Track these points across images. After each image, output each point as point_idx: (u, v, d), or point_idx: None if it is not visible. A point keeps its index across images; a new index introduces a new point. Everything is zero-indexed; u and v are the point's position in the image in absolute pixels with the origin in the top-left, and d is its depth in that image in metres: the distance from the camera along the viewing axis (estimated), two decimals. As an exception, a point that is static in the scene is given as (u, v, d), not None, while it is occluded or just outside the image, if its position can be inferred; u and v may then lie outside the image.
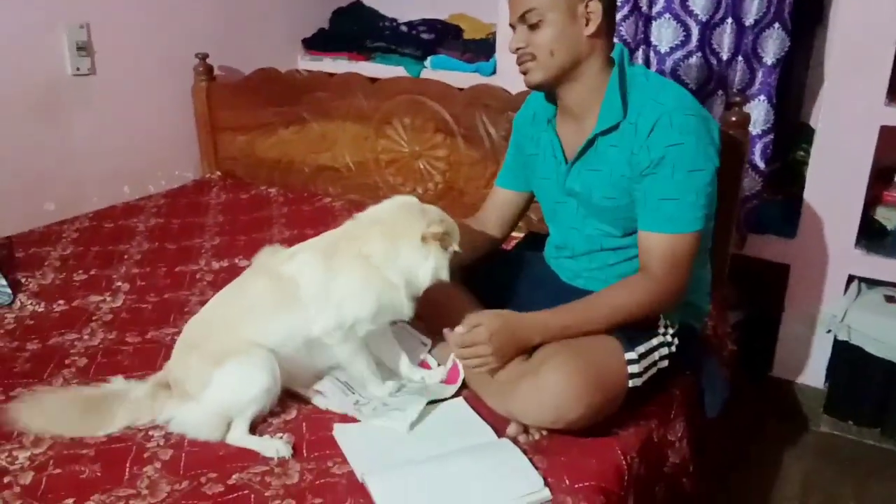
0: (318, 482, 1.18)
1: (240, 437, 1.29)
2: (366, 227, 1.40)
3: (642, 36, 2.21)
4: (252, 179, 2.68)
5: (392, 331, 1.50)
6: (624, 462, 1.23)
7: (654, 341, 1.36)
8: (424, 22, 2.88)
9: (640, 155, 1.34)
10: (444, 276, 1.37)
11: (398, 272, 1.35)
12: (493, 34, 2.60)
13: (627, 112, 1.36)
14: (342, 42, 2.95)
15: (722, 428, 1.69)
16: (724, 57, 2.12)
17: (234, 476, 1.19)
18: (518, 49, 1.39)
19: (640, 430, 1.32)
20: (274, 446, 1.25)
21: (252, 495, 1.15)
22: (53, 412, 1.30)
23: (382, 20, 3.03)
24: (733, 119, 1.80)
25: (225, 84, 2.69)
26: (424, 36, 2.79)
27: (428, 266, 1.35)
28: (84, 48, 2.28)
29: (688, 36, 2.16)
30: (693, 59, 2.17)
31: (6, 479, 1.17)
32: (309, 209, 2.43)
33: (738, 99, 1.84)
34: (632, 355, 1.30)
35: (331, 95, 2.45)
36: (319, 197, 2.52)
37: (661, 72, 2.23)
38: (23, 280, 1.86)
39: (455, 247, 1.37)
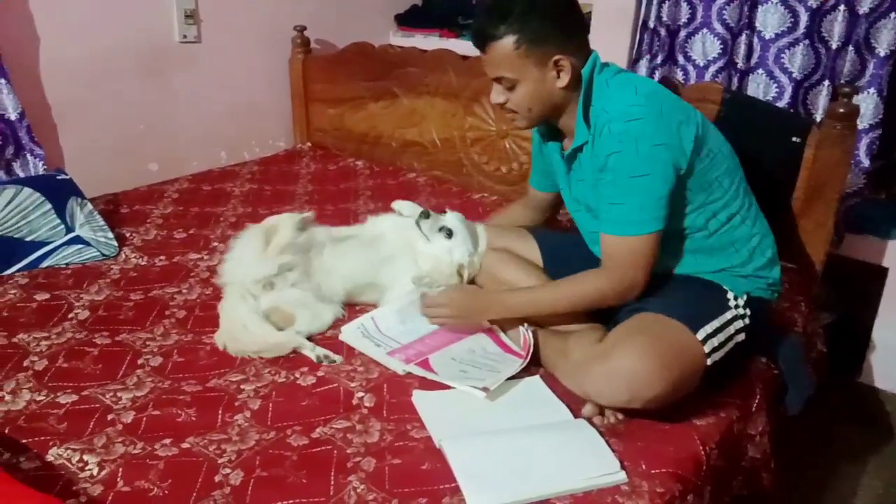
0: (396, 443, 1.22)
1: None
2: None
3: (746, 21, 2.14)
4: (340, 151, 2.74)
5: None
6: (702, 452, 1.22)
7: (728, 315, 1.36)
8: None
9: (593, 162, 1.39)
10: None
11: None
12: (589, 12, 2.56)
13: (590, 126, 1.38)
14: (434, 18, 2.97)
15: (803, 428, 1.64)
16: (834, 46, 2.03)
17: (317, 430, 1.25)
18: (498, 105, 1.45)
19: (720, 421, 1.30)
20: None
21: (335, 451, 1.20)
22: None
23: (476, -3, 3.03)
24: (840, 111, 1.73)
25: (320, 57, 2.75)
26: (517, 15, 2.77)
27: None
28: (191, 16, 2.39)
29: (795, 22, 2.07)
30: (799, 47, 2.09)
31: (110, 417, 1.26)
32: (394, 183, 2.48)
33: (846, 90, 1.76)
34: (701, 335, 1.29)
35: (422, 71, 2.48)
36: (404, 171, 2.56)
37: (763, 59, 2.15)
38: (127, 234, 1.98)
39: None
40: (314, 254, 1.67)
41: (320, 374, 1.41)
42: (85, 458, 1.16)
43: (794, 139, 1.77)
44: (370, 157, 2.67)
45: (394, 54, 2.58)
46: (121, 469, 1.14)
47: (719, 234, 1.40)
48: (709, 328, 1.31)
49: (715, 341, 1.30)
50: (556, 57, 1.36)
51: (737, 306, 1.38)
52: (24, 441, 1.19)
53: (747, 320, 1.38)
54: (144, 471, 1.14)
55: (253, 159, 2.67)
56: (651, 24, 2.27)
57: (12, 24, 2.01)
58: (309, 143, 2.82)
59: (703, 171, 1.35)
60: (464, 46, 2.71)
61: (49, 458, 1.16)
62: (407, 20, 3.03)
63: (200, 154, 2.54)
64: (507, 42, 1.35)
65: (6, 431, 1.21)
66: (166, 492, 1.10)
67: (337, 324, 1.58)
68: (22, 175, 2.02)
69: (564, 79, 1.38)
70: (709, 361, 1.29)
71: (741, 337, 1.36)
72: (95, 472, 1.13)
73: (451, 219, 1.67)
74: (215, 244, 1.96)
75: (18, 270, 1.75)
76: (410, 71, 2.51)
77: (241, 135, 2.68)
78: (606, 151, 1.33)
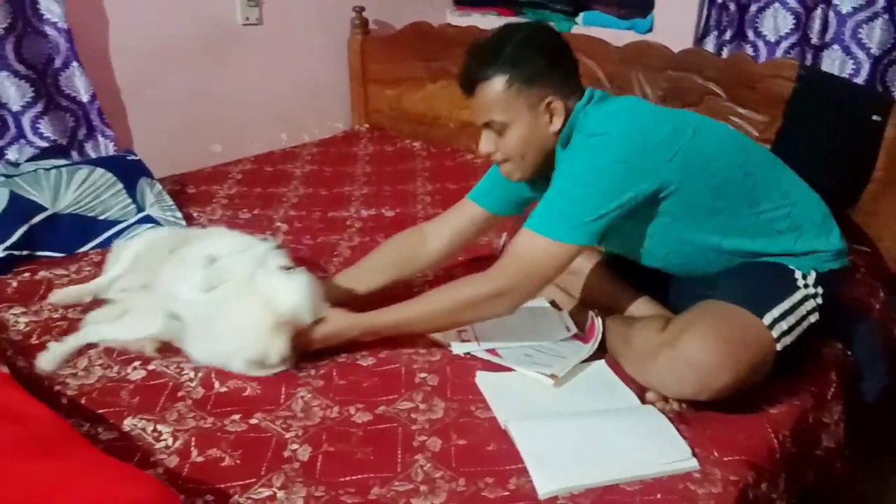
0: (461, 420, 1.22)
1: None
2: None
3: (823, -6, 2.05)
4: (397, 133, 2.74)
5: (534, 309, 1.52)
6: (776, 440, 1.19)
7: (797, 295, 1.29)
8: (578, -23, 2.80)
9: None
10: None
11: None
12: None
13: None
14: (492, -3, 2.93)
15: (877, 417, 1.58)
16: (917, 20, 1.93)
17: (380, 407, 1.26)
18: (488, 154, 1.38)
19: (793, 409, 1.26)
20: None
21: (399, 428, 1.21)
22: None
23: (535, -25, 2.98)
24: (924, 88, 1.64)
25: (378, 37, 2.75)
26: (577, -9, 2.72)
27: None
28: (254, -1, 2.42)
29: (875, -6, 1.98)
30: (878, 22, 1.99)
31: (180, 394, 1.29)
32: (451, 164, 2.47)
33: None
34: (767, 320, 1.24)
35: (481, 51, 2.45)
36: (462, 152, 2.55)
37: (839, 35, 2.06)
38: (194, 214, 2.03)
39: None
40: None
41: (382, 355, 1.41)
42: (159, 428, 1.19)
43: (874, 117, 1.69)
44: (427, 139, 2.66)
45: (452, 33, 2.56)
46: (193, 439, 1.17)
47: (750, 225, 1.33)
48: (776, 311, 1.25)
49: (784, 325, 1.25)
50: (549, 99, 1.31)
51: (806, 285, 1.31)
52: (100, 412, 1.23)
53: (820, 299, 1.31)
54: (216, 441, 1.17)
55: (312, 141, 2.70)
56: (719, -1, 2.19)
57: (84, 7, 2.07)
58: (367, 125, 2.83)
59: (696, 181, 1.27)
60: (523, 25, 2.67)
61: (125, 427, 1.20)
62: (464, -1, 3.00)
63: (262, 135, 2.58)
64: (499, 82, 1.30)
65: (82, 402, 1.26)
66: (238, 461, 1.13)
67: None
68: (93, 156, 2.09)
69: (557, 123, 1.32)
70: (778, 347, 1.23)
71: (814, 318, 1.30)
72: (170, 442, 1.16)
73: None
74: (278, 224, 1.99)
75: (92, 248, 1.81)
76: (469, 50, 2.48)
77: (301, 116, 2.71)
78: (561, 160, 1.31)
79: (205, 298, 1.35)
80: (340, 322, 1.37)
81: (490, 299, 1.29)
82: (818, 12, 2.06)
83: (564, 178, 1.29)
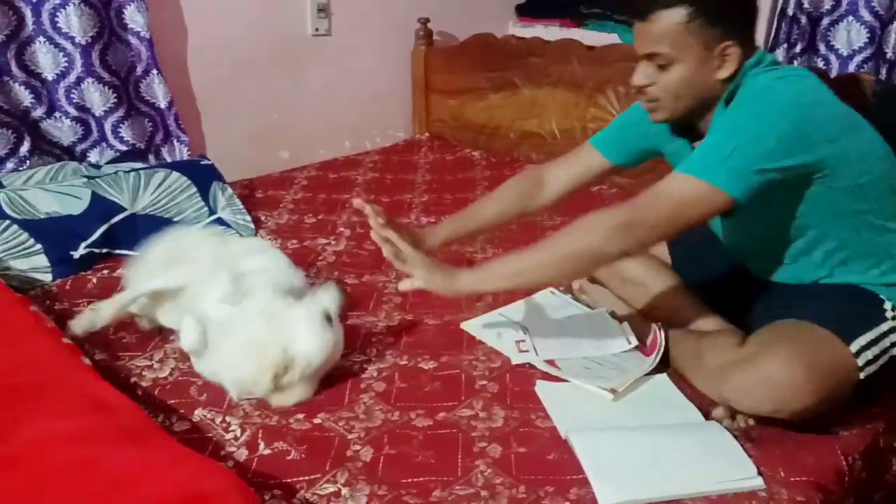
0: (521, 430, 1.23)
1: None
2: None
3: None
4: (458, 142, 2.77)
5: (594, 319, 1.53)
6: (845, 463, 1.16)
7: (884, 326, 1.25)
8: (643, -11, 2.79)
9: None
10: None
11: None
12: None
13: None
14: (555, 8, 2.94)
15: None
16: None
17: (440, 414, 1.27)
18: (641, 87, 1.29)
19: (864, 432, 1.23)
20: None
21: (459, 434, 1.22)
22: None
23: (598, -14, 2.98)
24: None
25: (442, 48, 2.79)
26: (642, 3, 2.70)
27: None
28: (324, 10, 2.48)
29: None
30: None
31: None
32: (510, 173, 2.42)
33: None
34: (854, 347, 1.21)
35: (545, 61, 2.46)
36: (521, 162, 2.55)
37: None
38: (262, 218, 2.09)
39: None
40: None
41: (443, 359, 1.43)
42: (228, 419, 1.24)
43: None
44: (487, 148, 2.68)
45: (515, 45, 2.58)
46: (261, 431, 1.21)
47: (870, 240, 1.29)
48: (863, 340, 1.22)
49: (869, 354, 1.21)
50: (728, 43, 1.22)
51: (894, 318, 1.27)
52: (171, 402, 1.29)
53: None
54: (282, 436, 1.20)
55: (374, 149, 2.75)
56: (790, 12, 2.16)
57: (165, 17, 2.16)
58: (427, 134, 2.87)
59: (848, 174, 1.21)
60: (587, 36, 2.67)
61: (195, 418, 1.25)
62: (527, 10, 3.02)
63: (326, 143, 2.64)
64: (679, 12, 1.20)
65: (156, 393, 1.32)
66: (303, 456, 1.16)
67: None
68: (169, 160, 2.18)
69: (727, 70, 1.23)
70: (862, 375, 1.20)
71: None
72: (238, 433, 1.21)
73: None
74: (341, 230, 2.03)
75: (167, 248, 1.88)
76: (532, 61, 2.51)
77: (364, 124, 2.76)
78: (727, 115, 1.21)
79: (223, 310, 1.33)
80: (466, 280, 1.31)
81: (619, 229, 1.19)
82: (893, 27, 2.01)
83: (727, 127, 1.19)
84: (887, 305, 1.29)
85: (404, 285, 1.33)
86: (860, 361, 1.20)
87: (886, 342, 1.25)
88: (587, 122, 2.38)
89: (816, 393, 1.15)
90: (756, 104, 1.19)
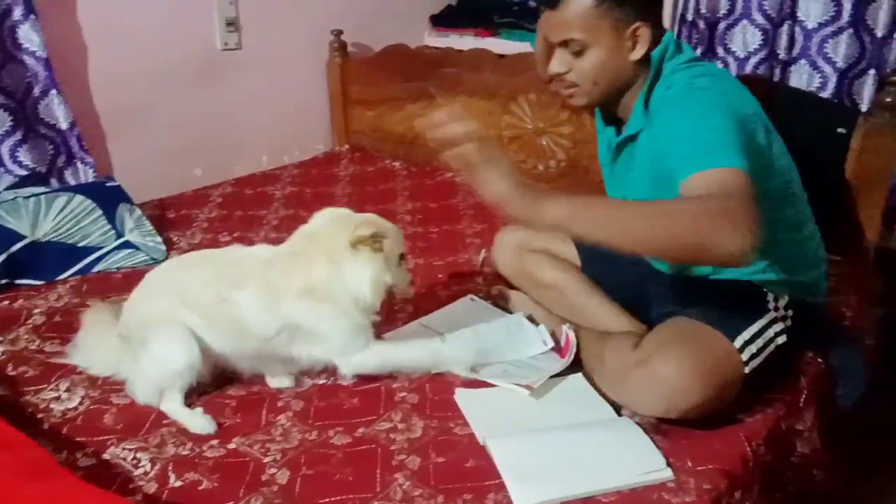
0: (440, 438, 1.23)
1: (172, 408, 1.29)
2: (307, 249, 1.35)
3: (788, 11, 2.10)
4: (378, 153, 2.77)
5: (511, 324, 1.54)
6: (749, 448, 1.20)
7: (766, 318, 1.31)
8: (553, -3, 2.85)
9: (657, 141, 1.25)
10: (388, 280, 1.32)
11: (346, 295, 1.31)
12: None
13: (648, 112, 1.30)
14: (469, 18, 2.97)
15: (862, 427, 1.60)
16: (879, 34, 1.98)
17: (359, 430, 1.26)
18: (555, 75, 1.31)
19: (766, 417, 1.28)
20: (199, 423, 1.26)
21: (378, 448, 1.21)
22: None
23: (511, -5, 3.03)
24: (887, 100, 1.69)
25: (357, 60, 2.78)
26: (553, 12, 2.77)
27: (365, 276, 1.30)
28: (233, 24, 2.44)
29: (839, 11, 2.03)
30: (843, 36, 2.04)
31: (165, 421, 1.29)
32: (431, 183, 2.49)
33: (893, 79, 1.71)
34: (738, 343, 1.25)
35: (459, 71, 2.49)
36: (442, 171, 2.57)
37: (805, 49, 2.11)
38: (175, 238, 2.03)
39: (391, 246, 1.32)
40: None
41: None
42: (138, 455, 1.19)
43: (839, 130, 1.73)
44: (408, 158, 2.69)
45: (430, 55, 2.60)
46: (171, 464, 1.17)
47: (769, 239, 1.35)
48: (746, 335, 1.26)
49: (753, 348, 1.26)
50: (637, 24, 1.25)
51: (776, 308, 1.33)
52: (80, 439, 1.23)
53: (789, 321, 1.34)
54: (194, 468, 1.17)
55: (293, 163, 2.71)
56: (689, 17, 2.24)
57: (61, 35, 2.08)
58: (347, 146, 2.85)
59: (762, 174, 1.18)
60: (501, 45, 2.72)
61: (105, 456, 1.20)
62: (442, 20, 3.04)
63: (242, 158, 2.59)
64: None
65: (64, 431, 1.26)
66: (216, 484, 1.13)
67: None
68: (73, 183, 2.09)
69: (639, 51, 1.27)
70: (747, 370, 1.25)
71: (782, 339, 1.31)
72: (148, 467, 1.17)
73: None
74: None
75: (72, 275, 1.81)
76: (447, 71, 2.53)
77: (282, 139, 2.72)
78: (669, 114, 1.21)
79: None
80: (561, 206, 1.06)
81: (729, 221, 0.99)
82: (784, 28, 2.11)
83: (679, 120, 1.16)
84: (770, 297, 1.34)
85: (482, 189, 1.07)
86: (744, 356, 1.25)
87: (770, 333, 1.30)
88: (502, 129, 2.41)
89: (704, 391, 1.19)
90: (694, 96, 1.19)
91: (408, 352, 1.41)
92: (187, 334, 1.30)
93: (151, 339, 1.31)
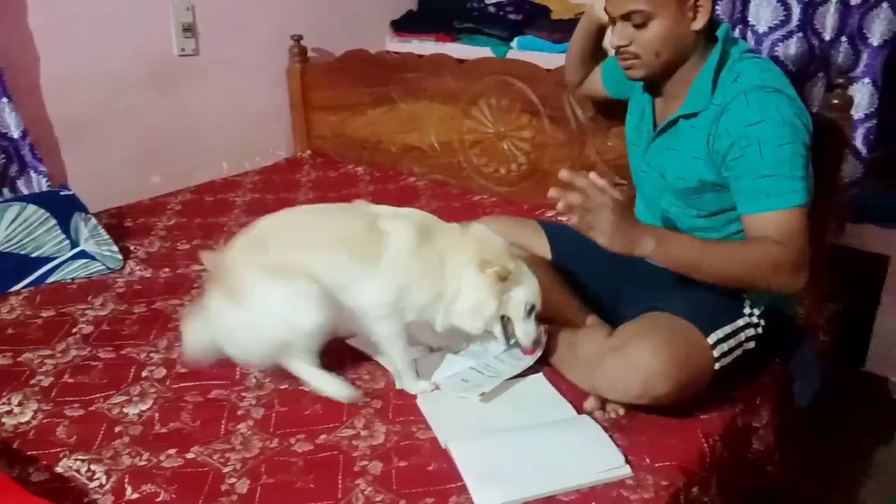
0: (402, 443, 1.23)
1: (303, 367, 1.31)
2: (464, 238, 1.38)
3: (739, 15, 2.14)
4: (341, 158, 2.76)
5: None
6: (706, 445, 1.23)
7: (740, 322, 1.35)
8: (512, 2, 2.87)
9: (720, 139, 1.29)
10: (482, 315, 1.33)
11: (454, 289, 1.34)
12: (582, 14, 2.57)
13: (714, 95, 1.32)
14: (430, 23, 2.97)
15: (814, 421, 1.64)
16: (827, 37, 2.03)
17: (321, 436, 1.26)
18: (621, 47, 1.34)
19: (723, 414, 1.31)
20: (338, 387, 1.28)
21: (340, 455, 1.21)
22: None
23: (470, 1, 3.04)
24: (834, 102, 1.73)
25: (318, 65, 2.77)
26: (512, 16, 2.79)
27: (470, 295, 1.32)
28: (189, 29, 2.41)
29: (788, 15, 2.08)
30: (793, 40, 2.09)
31: (117, 429, 1.27)
32: (394, 187, 2.49)
33: (840, 81, 1.76)
34: (712, 339, 1.29)
35: (420, 76, 2.49)
36: (405, 176, 2.57)
37: (756, 52, 2.16)
38: (132, 248, 2.00)
39: (517, 292, 1.33)
40: None
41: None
42: (93, 468, 1.17)
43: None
44: (370, 163, 2.68)
45: (391, 60, 2.60)
46: (128, 476, 1.15)
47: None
48: (720, 333, 1.30)
49: (725, 346, 1.30)
50: None
51: (751, 314, 1.37)
52: (32, 453, 1.20)
53: (760, 329, 1.37)
54: (151, 479, 1.15)
55: (254, 169, 2.69)
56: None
57: (12, 42, 2.03)
58: (309, 151, 2.84)
59: None
60: (460, 50, 2.73)
61: (59, 469, 1.17)
62: (403, 26, 3.04)
63: (203, 165, 2.56)
64: None
65: (15, 445, 1.23)
66: (173, 496, 1.11)
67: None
68: (26, 192, 2.05)
69: (700, 20, 1.29)
70: (717, 366, 1.29)
71: (750, 345, 1.36)
72: (104, 480, 1.14)
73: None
74: (219, 254, 1.97)
75: (25, 286, 1.77)
76: (408, 76, 2.53)
77: (243, 145, 2.70)
78: (745, 123, 1.25)
79: None
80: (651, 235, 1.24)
81: (787, 271, 1.23)
82: (736, 32, 2.15)
83: (765, 143, 1.24)
84: (746, 304, 1.38)
85: (580, 226, 1.20)
86: (716, 353, 1.29)
87: (741, 336, 1.34)
88: (464, 134, 2.43)
89: (678, 380, 1.22)
90: (771, 108, 1.24)
91: (392, 352, 1.39)
92: (316, 288, 1.29)
93: (279, 297, 1.29)
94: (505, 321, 1.35)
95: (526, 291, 1.34)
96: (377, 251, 1.33)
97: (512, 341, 1.40)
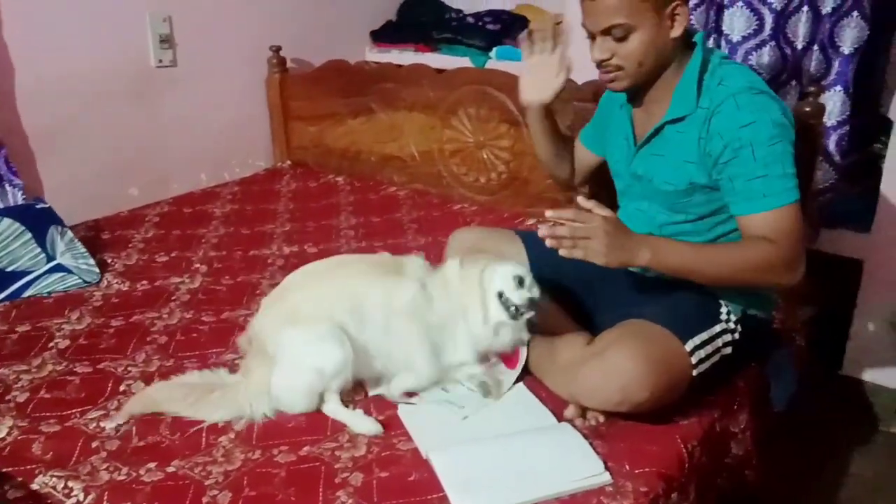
0: (384, 454, 1.23)
1: (334, 409, 1.33)
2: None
3: (713, 25, 2.18)
4: (321, 168, 2.75)
5: None
6: (685, 450, 1.24)
7: (717, 328, 1.36)
8: (490, 13, 2.90)
9: (711, 142, 1.31)
10: (479, 298, 1.40)
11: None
12: (559, 22, 2.59)
13: (699, 100, 1.34)
14: (409, 34, 2.99)
15: (791, 424, 1.66)
16: (799, 46, 2.07)
17: (304, 448, 1.25)
18: (603, 61, 1.36)
19: (702, 419, 1.32)
20: (364, 423, 1.29)
21: (322, 466, 1.20)
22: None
23: (449, 11, 3.07)
24: (807, 109, 1.76)
25: (297, 75, 2.77)
26: (490, 27, 2.81)
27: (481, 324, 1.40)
28: (167, 41, 2.40)
29: (761, 24, 2.11)
30: (766, 49, 2.12)
31: (94, 444, 1.26)
32: (375, 197, 2.50)
33: (812, 89, 1.79)
34: (689, 346, 1.30)
35: (399, 86, 2.50)
36: (385, 185, 2.58)
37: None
38: (109, 260, 1.98)
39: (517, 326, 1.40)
40: None
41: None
42: (70, 484, 1.15)
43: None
44: (350, 173, 2.68)
45: (370, 70, 2.60)
46: (107, 493, 1.14)
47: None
48: (697, 339, 1.32)
49: (702, 353, 1.32)
50: (676, 2, 1.30)
51: (727, 320, 1.38)
52: (7, 470, 1.18)
53: (737, 335, 1.39)
54: (131, 495, 1.13)
55: (233, 180, 2.68)
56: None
57: (-14, 55, 2.02)
58: (289, 162, 2.83)
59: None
60: (439, 60, 2.74)
61: (34, 486, 1.15)
62: (382, 36, 3.06)
63: (181, 177, 2.54)
64: None
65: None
66: (154, 513, 1.10)
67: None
68: (0, 206, 2.02)
69: (678, 28, 1.32)
70: (694, 373, 1.30)
71: (727, 350, 1.37)
72: (81, 497, 1.13)
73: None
74: (197, 266, 1.96)
75: (1, 301, 1.74)
76: (387, 86, 2.53)
77: (221, 156, 2.68)
78: (737, 125, 1.27)
79: None
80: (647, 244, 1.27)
81: (784, 268, 1.28)
82: (710, 41, 2.19)
83: (758, 144, 1.27)
84: (723, 309, 1.40)
85: (574, 254, 1.22)
86: (693, 359, 1.30)
87: (719, 342, 1.36)
88: (444, 143, 2.44)
89: (656, 387, 1.23)
90: (759, 109, 1.28)
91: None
92: (338, 331, 1.34)
93: (301, 342, 1.34)
94: (503, 299, 1.39)
95: (507, 267, 1.41)
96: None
97: (511, 308, 1.39)
